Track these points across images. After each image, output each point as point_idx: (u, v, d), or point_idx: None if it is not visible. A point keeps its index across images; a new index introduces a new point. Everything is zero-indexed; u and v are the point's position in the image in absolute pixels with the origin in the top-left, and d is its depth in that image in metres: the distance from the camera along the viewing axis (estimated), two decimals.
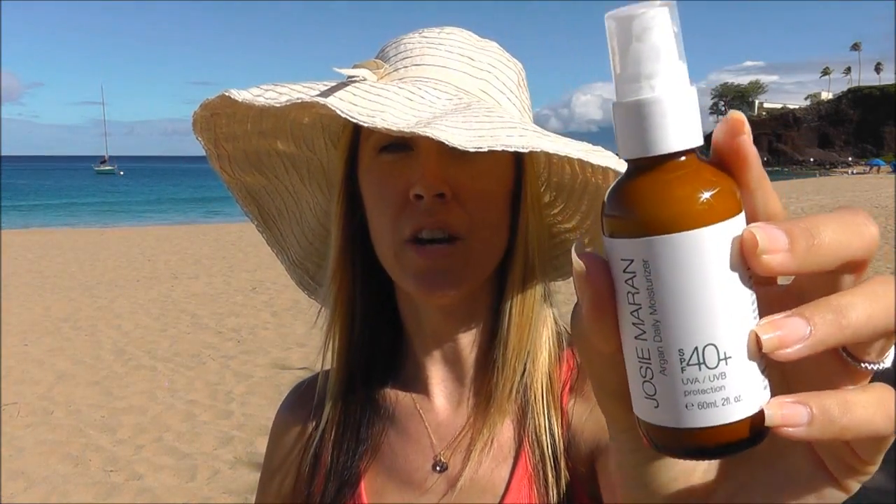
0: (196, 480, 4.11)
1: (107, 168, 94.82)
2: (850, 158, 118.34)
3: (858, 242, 0.28)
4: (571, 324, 0.34)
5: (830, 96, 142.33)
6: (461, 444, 0.76)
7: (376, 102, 0.62)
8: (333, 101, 0.59)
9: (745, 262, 0.27)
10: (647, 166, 0.29)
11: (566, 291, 0.82)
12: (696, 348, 0.28)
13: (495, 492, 0.74)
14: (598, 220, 0.81)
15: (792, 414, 0.27)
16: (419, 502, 0.76)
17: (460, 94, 0.70)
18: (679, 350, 0.28)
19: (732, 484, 0.33)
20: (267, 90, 0.63)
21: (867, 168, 75.74)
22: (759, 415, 0.28)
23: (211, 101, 0.68)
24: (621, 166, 0.60)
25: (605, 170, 0.72)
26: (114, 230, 22.22)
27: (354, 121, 0.58)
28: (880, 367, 0.30)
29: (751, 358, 0.28)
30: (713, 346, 0.27)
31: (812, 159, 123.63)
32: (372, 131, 0.71)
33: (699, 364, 0.28)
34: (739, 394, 0.28)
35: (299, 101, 0.60)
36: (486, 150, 0.56)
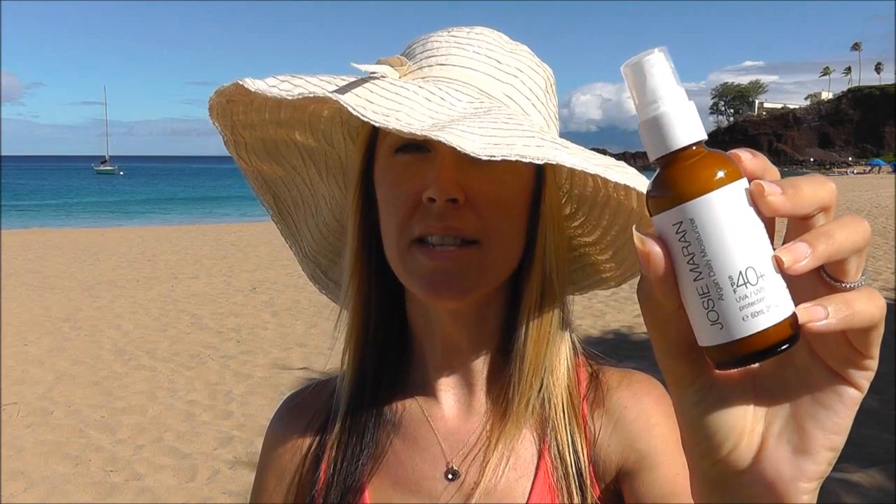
0: (196, 480, 4.11)
1: (107, 168, 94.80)
2: (850, 158, 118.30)
3: (824, 192, 0.38)
4: (638, 295, 0.43)
5: (830, 96, 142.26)
6: (476, 453, 0.75)
7: (393, 101, 0.61)
8: (348, 98, 0.58)
9: (756, 205, 0.38)
10: (672, 159, 0.39)
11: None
12: (741, 272, 0.37)
13: (515, 502, 0.72)
14: (619, 236, 0.79)
15: (815, 312, 0.36)
16: None
17: (483, 97, 0.68)
18: (729, 277, 0.37)
19: (776, 412, 0.41)
20: (283, 81, 0.61)
21: (867, 168, 75.71)
22: (793, 317, 0.38)
23: (225, 88, 0.67)
24: (640, 184, 0.62)
25: (627, 186, 0.71)
26: (114, 230, 22.21)
27: (366, 120, 0.57)
28: (858, 285, 0.38)
29: (776, 273, 0.37)
30: (752, 269, 0.37)
31: (812, 159, 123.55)
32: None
33: (745, 284, 0.37)
34: (777, 301, 0.37)
35: (312, 95, 0.59)
36: (499, 158, 0.55)
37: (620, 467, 0.73)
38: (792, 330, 0.38)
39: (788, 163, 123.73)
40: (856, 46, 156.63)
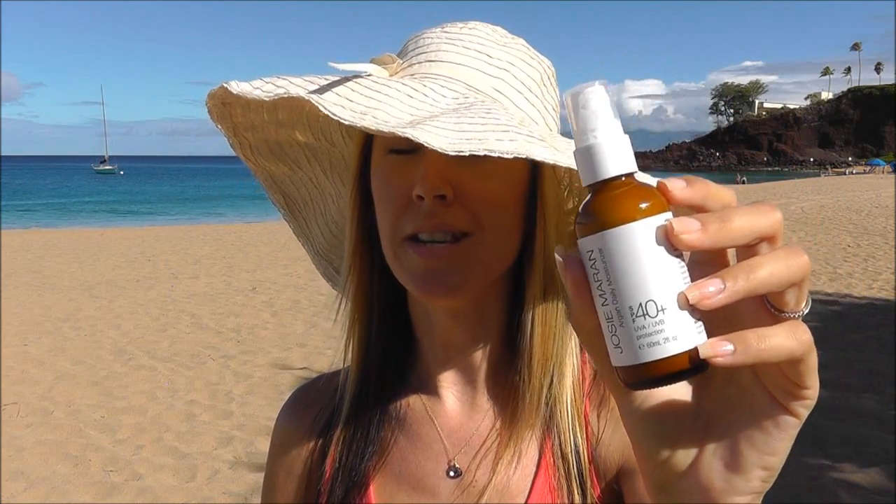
0: (196, 480, 4.11)
1: (107, 168, 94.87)
2: (850, 158, 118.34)
3: (764, 223, 0.38)
4: (566, 312, 0.42)
5: (830, 96, 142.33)
6: (482, 452, 0.75)
7: (373, 99, 0.60)
8: (325, 98, 0.58)
9: (667, 241, 0.39)
10: (599, 188, 0.41)
11: None
12: (641, 304, 0.39)
13: (514, 500, 0.72)
14: None
15: (719, 346, 0.37)
16: None
17: (470, 92, 0.68)
18: (629, 307, 0.39)
19: (714, 427, 0.43)
20: (267, 82, 0.61)
21: (867, 168, 75.71)
22: (695, 350, 0.39)
23: (214, 92, 0.67)
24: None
25: None
26: (114, 230, 22.21)
27: (336, 118, 0.56)
28: (800, 315, 0.39)
29: (682, 309, 0.39)
30: (652, 301, 0.39)
31: (812, 159, 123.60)
32: None
33: (644, 315, 0.39)
34: (676, 335, 0.39)
35: (287, 95, 0.59)
36: (466, 154, 0.55)
37: (621, 466, 0.73)
38: (690, 363, 0.39)
39: (788, 163, 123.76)
40: (856, 46, 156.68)
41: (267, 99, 0.60)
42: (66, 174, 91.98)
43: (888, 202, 22.25)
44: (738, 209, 0.38)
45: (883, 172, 62.56)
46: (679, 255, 0.39)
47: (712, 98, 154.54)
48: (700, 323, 0.40)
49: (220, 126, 0.75)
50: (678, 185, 0.40)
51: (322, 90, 0.60)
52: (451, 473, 0.75)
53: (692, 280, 0.39)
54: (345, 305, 0.80)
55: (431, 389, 0.79)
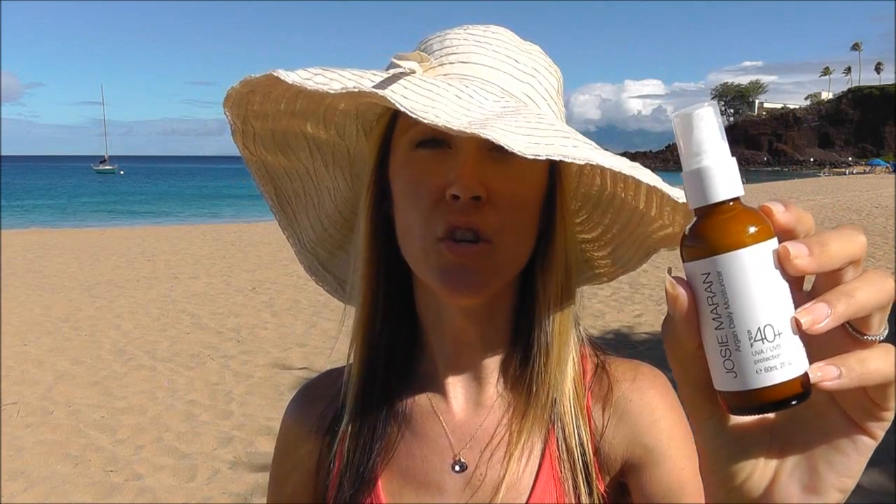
0: (196, 480, 4.11)
1: (107, 168, 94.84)
2: (850, 158, 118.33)
3: (854, 247, 0.39)
4: (663, 331, 0.44)
5: (830, 96, 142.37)
6: (489, 447, 0.76)
7: (426, 97, 0.61)
8: (389, 94, 0.58)
9: (782, 265, 0.39)
10: (708, 211, 0.41)
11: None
12: (759, 328, 0.39)
13: (519, 493, 0.73)
14: (618, 234, 0.81)
15: (827, 371, 0.38)
16: (439, 503, 0.75)
17: (506, 96, 0.69)
18: (748, 331, 0.39)
19: (791, 449, 0.43)
20: (316, 74, 0.61)
21: (867, 168, 75.69)
22: (805, 375, 0.39)
23: (254, 79, 0.65)
24: (665, 187, 0.65)
25: (637, 186, 0.72)
26: (114, 230, 22.20)
27: (414, 116, 0.57)
28: (880, 338, 0.40)
29: (794, 334, 0.39)
30: (770, 326, 0.39)
31: (812, 159, 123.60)
32: (411, 124, 0.69)
33: (762, 339, 0.39)
34: (791, 359, 0.39)
35: (356, 89, 0.59)
36: (543, 157, 0.55)
37: (626, 461, 0.74)
38: (802, 388, 0.39)
39: (788, 163, 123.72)
40: (856, 46, 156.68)
41: (332, 92, 0.59)
42: (66, 174, 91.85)
43: (888, 202, 22.24)
44: (831, 234, 0.40)
45: (884, 172, 62.58)
46: (787, 280, 0.40)
47: (712, 98, 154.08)
48: (805, 347, 0.40)
49: (230, 112, 0.74)
50: (779, 209, 0.41)
51: (380, 86, 0.60)
52: (457, 468, 0.76)
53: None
54: (354, 300, 0.80)
55: (438, 386, 0.79)
